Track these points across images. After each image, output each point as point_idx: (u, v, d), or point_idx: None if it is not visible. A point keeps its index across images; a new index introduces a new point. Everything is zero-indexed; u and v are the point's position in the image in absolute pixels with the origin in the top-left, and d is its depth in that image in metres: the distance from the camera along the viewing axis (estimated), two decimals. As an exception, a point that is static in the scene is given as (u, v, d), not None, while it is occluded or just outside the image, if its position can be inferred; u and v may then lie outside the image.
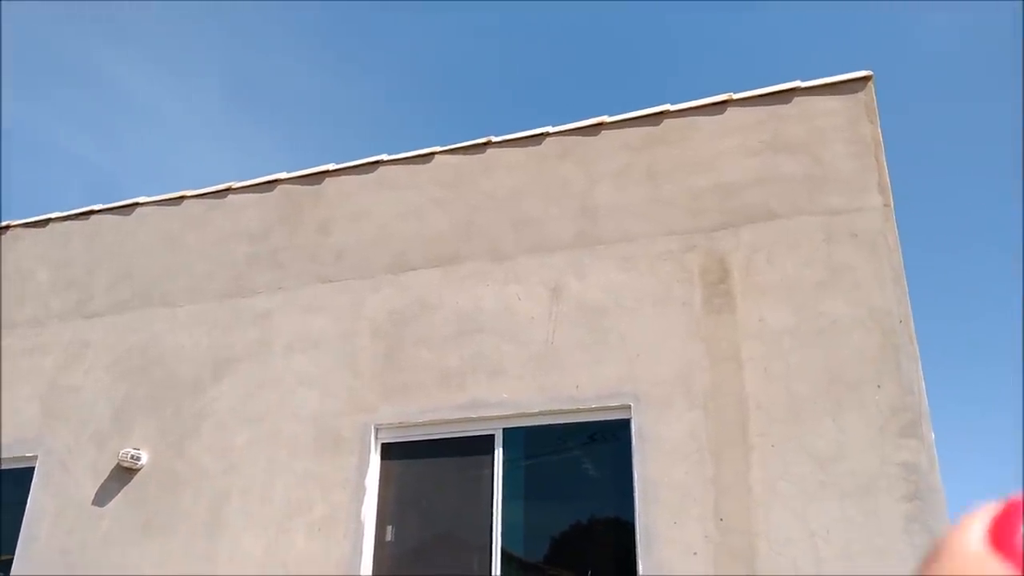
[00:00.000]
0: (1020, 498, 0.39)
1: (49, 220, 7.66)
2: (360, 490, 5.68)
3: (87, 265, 7.32)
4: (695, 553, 4.86)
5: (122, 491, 6.26)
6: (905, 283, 5.13)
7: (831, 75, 5.80)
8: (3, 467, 6.75)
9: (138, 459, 6.25)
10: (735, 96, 5.96)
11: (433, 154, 6.61)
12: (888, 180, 5.40)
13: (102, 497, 6.29)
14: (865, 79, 5.70)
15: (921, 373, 4.89)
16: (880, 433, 4.80)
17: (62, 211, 7.63)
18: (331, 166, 6.87)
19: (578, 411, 5.46)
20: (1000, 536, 0.37)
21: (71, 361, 6.94)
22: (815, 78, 5.83)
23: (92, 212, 7.54)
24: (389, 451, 5.85)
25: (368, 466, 5.73)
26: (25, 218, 7.73)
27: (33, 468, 6.60)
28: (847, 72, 5.77)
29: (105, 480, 6.34)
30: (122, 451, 6.26)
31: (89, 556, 6.14)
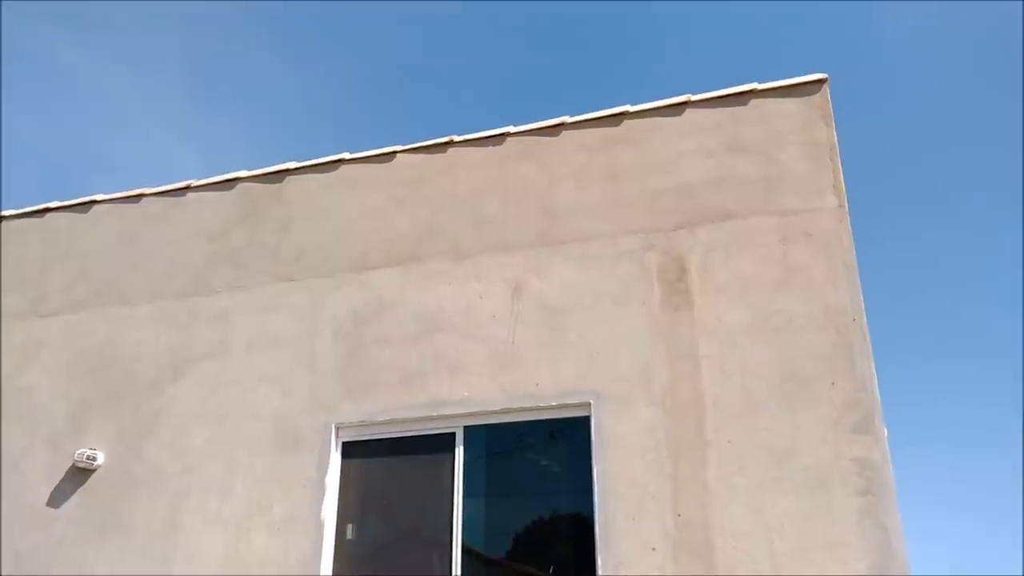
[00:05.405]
0: None
1: (3, 217, 7.53)
2: (320, 489, 5.66)
3: (42, 263, 7.21)
4: (653, 549, 4.91)
5: (77, 492, 6.17)
6: (858, 282, 5.23)
7: (788, 77, 5.90)
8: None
9: (94, 460, 6.17)
10: (693, 98, 6.04)
11: (395, 153, 6.61)
12: (842, 181, 5.51)
13: (57, 498, 6.20)
14: (820, 82, 5.80)
15: (874, 370, 4.99)
16: (834, 429, 4.89)
17: (16, 207, 7.51)
18: (292, 164, 6.84)
19: (538, 409, 5.50)
20: None
21: (25, 361, 6.84)
22: (772, 80, 5.93)
23: (48, 210, 7.43)
24: (350, 450, 5.83)
25: (329, 465, 5.71)
26: (-22, 216, 7.60)
27: (-14, 470, 6.48)
28: (803, 75, 5.87)
29: (60, 481, 6.25)
30: (77, 452, 6.17)
31: (43, 558, 6.05)
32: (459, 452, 5.58)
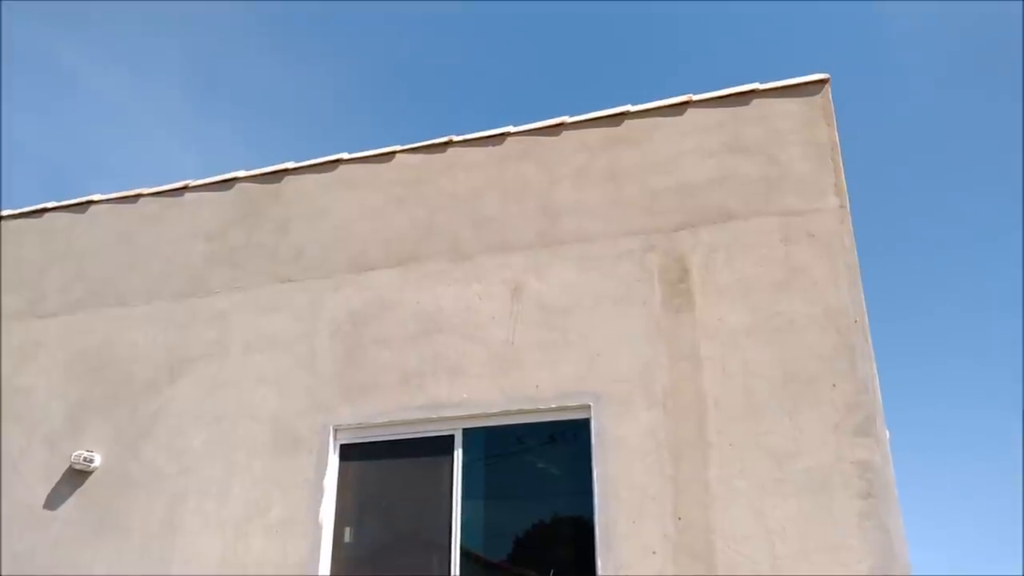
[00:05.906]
0: None
1: (1, 217, 7.51)
2: (319, 491, 5.63)
3: (40, 263, 7.19)
4: (654, 552, 4.88)
5: (74, 494, 6.14)
6: (860, 283, 5.20)
7: (790, 77, 5.87)
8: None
9: (91, 461, 6.14)
10: (695, 97, 6.01)
11: (394, 153, 6.58)
12: (844, 182, 5.48)
13: (54, 500, 6.17)
14: (822, 82, 5.77)
15: (875, 372, 4.95)
16: (835, 431, 4.86)
17: (15, 207, 7.49)
18: (290, 164, 6.81)
19: (538, 411, 5.47)
20: None
21: (23, 361, 6.81)
22: (774, 80, 5.89)
23: (45, 210, 7.40)
24: (348, 452, 5.80)
25: (327, 467, 5.68)
26: (-24, 216, 7.57)
27: (-18, 471, 6.45)
28: (805, 75, 5.83)
29: (57, 483, 6.22)
30: (75, 453, 6.14)
31: (39, 560, 6.02)
32: (458, 454, 5.55)
